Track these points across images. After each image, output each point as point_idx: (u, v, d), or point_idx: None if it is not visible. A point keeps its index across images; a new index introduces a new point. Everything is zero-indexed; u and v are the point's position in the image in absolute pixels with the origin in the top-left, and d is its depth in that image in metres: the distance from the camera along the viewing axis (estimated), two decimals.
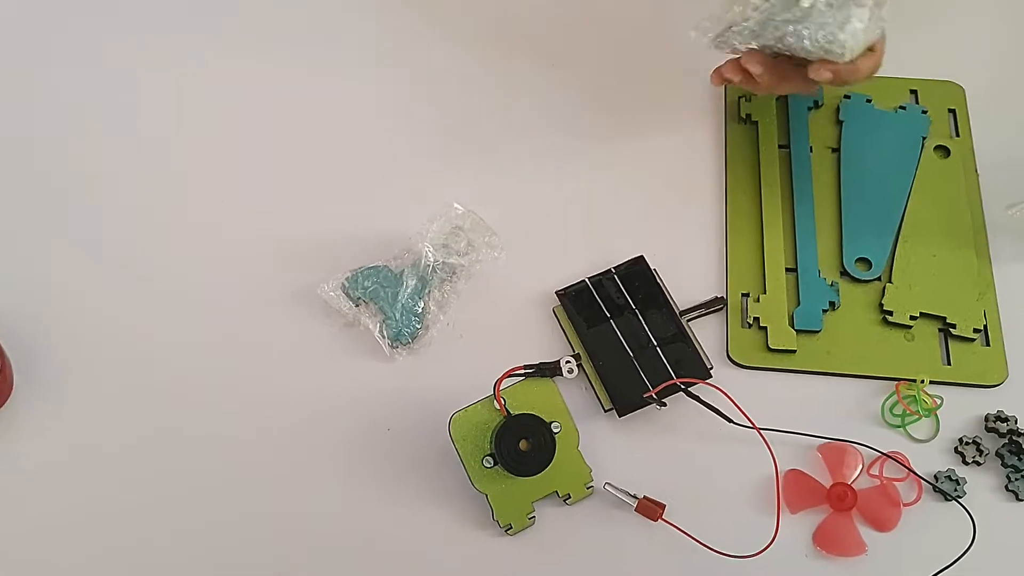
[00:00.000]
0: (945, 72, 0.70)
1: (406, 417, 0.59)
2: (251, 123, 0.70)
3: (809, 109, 0.69)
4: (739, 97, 0.69)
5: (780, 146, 0.68)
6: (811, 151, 0.67)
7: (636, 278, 0.63)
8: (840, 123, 0.68)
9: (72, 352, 0.61)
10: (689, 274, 0.63)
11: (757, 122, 0.68)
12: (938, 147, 0.67)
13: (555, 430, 0.56)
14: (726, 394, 0.56)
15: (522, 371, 0.58)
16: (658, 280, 0.63)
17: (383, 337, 0.60)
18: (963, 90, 0.69)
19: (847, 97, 0.69)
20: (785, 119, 0.68)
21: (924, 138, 0.67)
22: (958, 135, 0.68)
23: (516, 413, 0.56)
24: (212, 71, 0.72)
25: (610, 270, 0.63)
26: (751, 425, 0.56)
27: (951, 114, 0.69)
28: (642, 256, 0.63)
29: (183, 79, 0.72)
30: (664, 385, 0.57)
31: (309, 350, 0.61)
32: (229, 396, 0.60)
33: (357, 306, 0.61)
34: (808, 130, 0.68)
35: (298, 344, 0.62)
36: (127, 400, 0.60)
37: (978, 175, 0.66)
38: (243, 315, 0.63)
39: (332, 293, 0.61)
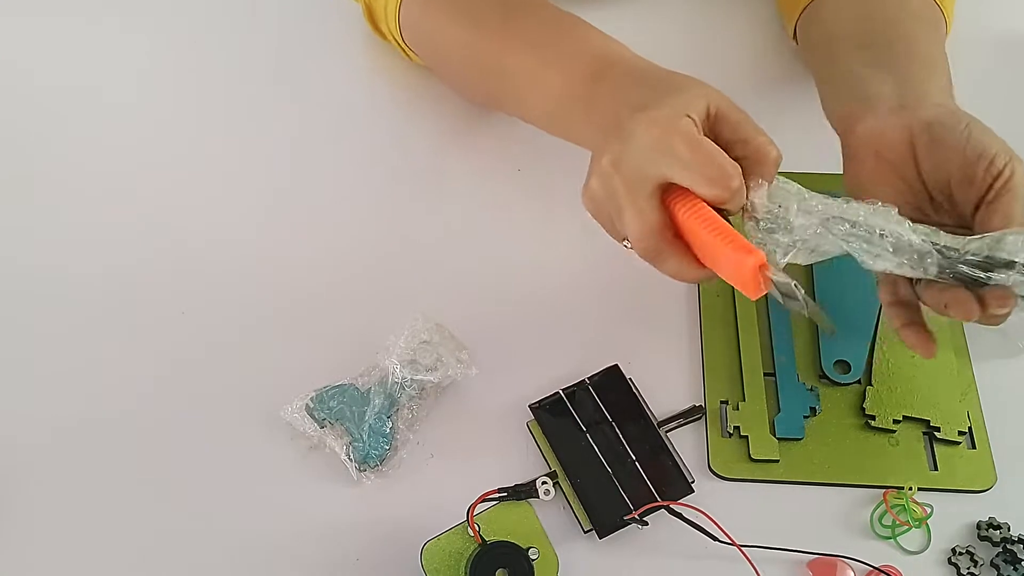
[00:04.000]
0: None
1: (375, 546, 0.56)
2: (208, 243, 0.68)
3: None
4: None
5: None
6: None
7: (611, 388, 0.61)
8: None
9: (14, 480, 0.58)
10: (665, 382, 0.62)
11: None
12: None
13: (533, 557, 0.53)
14: (706, 514, 0.54)
15: (496, 495, 0.55)
16: (634, 390, 0.61)
17: (350, 460, 0.58)
18: None
19: None
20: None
21: None
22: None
23: (491, 541, 0.53)
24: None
25: (584, 380, 0.61)
26: (733, 544, 0.53)
27: None
28: (616, 365, 0.62)
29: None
30: (646, 507, 0.55)
31: (273, 475, 0.58)
32: (189, 524, 0.57)
33: (322, 428, 0.59)
34: None
35: (261, 469, 0.59)
36: (79, 528, 0.57)
37: None
38: (203, 439, 0.60)
39: (296, 415, 0.59)
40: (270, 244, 0.68)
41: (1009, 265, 0.48)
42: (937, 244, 0.49)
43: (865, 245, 0.50)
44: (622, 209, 0.52)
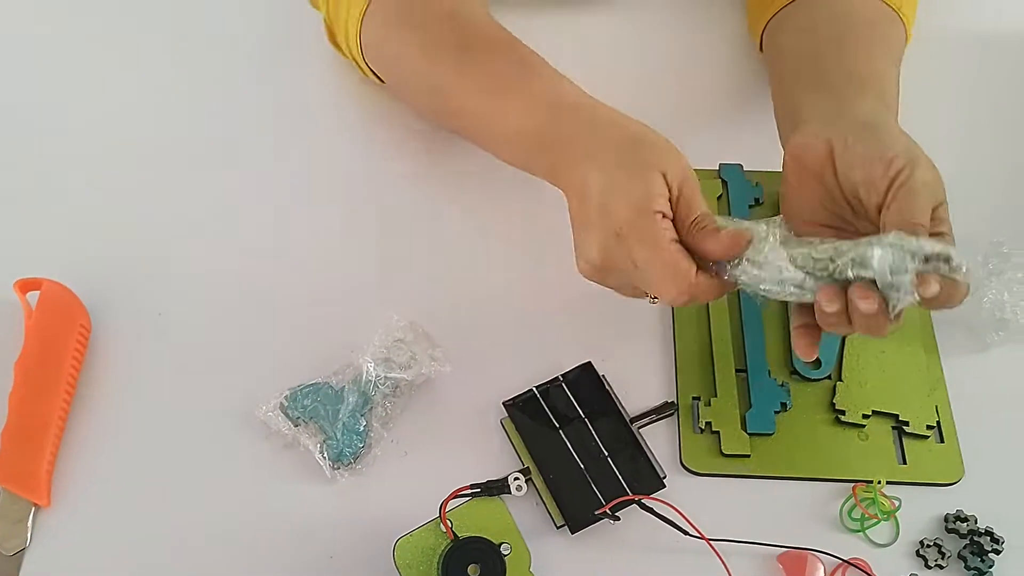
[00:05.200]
0: None
1: (349, 543, 0.56)
2: (183, 243, 0.68)
3: (750, 206, 0.69)
4: None
5: None
6: None
7: (585, 385, 0.61)
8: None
9: None
10: (638, 379, 0.62)
11: None
12: None
13: (505, 552, 0.54)
14: (676, 508, 0.55)
15: (469, 491, 0.55)
16: (607, 386, 0.61)
17: (324, 458, 0.58)
18: None
19: None
20: (728, 216, 0.68)
21: None
22: None
23: (464, 536, 0.54)
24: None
25: (558, 378, 0.62)
26: (703, 538, 0.54)
27: None
28: (590, 362, 0.62)
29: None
30: (617, 501, 0.55)
31: (247, 474, 0.59)
32: (162, 522, 0.57)
33: (296, 426, 0.59)
34: None
35: (236, 468, 0.59)
36: (54, 526, 0.57)
37: None
38: (177, 438, 0.60)
39: (270, 413, 0.59)
40: (244, 244, 0.68)
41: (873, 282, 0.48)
42: (806, 269, 0.50)
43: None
44: (644, 280, 0.53)
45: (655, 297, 0.55)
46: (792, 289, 0.51)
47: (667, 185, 0.52)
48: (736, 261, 0.52)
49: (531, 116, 0.58)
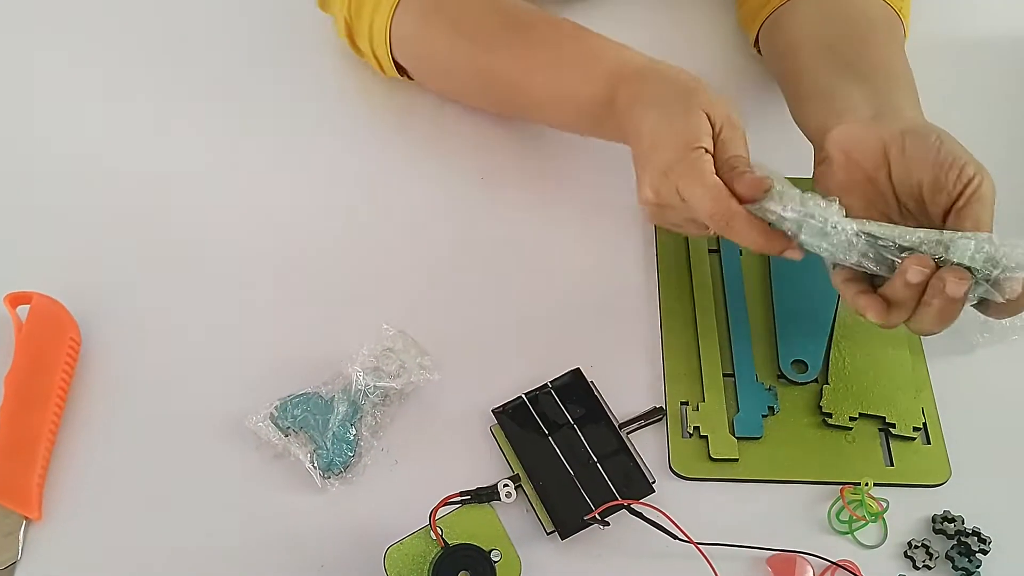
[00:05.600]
0: None
1: (340, 552, 0.56)
2: (172, 252, 0.68)
3: None
4: None
5: (710, 250, 0.68)
6: (740, 254, 0.67)
7: (573, 391, 0.62)
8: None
9: None
10: (627, 385, 0.62)
11: None
12: None
13: (495, 559, 0.54)
14: (664, 513, 0.55)
15: (458, 498, 0.56)
16: (596, 392, 0.62)
17: (314, 467, 0.58)
18: None
19: None
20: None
21: None
22: None
23: (454, 543, 0.54)
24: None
25: (546, 384, 0.62)
26: (691, 542, 0.54)
27: None
28: (578, 368, 0.62)
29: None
30: (606, 506, 0.56)
31: (238, 484, 0.59)
32: (153, 534, 0.57)
33: (287, 436, 0.59)
34: None
35: (226, 478, 0.59)
36: (41, 537, 0.57)
37: None
38: (168, 449, 0.60)
39: (261, 424, 0.59)
40: (233, 255, 0.68)
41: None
42: (869, 233, 0.52)
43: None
44: (688, 205, 0.55)
45: None
46: (825, 245, 0.53)
47: (711, 125, 0.56)
48: (781, 204, 0.53)
49: (598, 83, 0.61)
